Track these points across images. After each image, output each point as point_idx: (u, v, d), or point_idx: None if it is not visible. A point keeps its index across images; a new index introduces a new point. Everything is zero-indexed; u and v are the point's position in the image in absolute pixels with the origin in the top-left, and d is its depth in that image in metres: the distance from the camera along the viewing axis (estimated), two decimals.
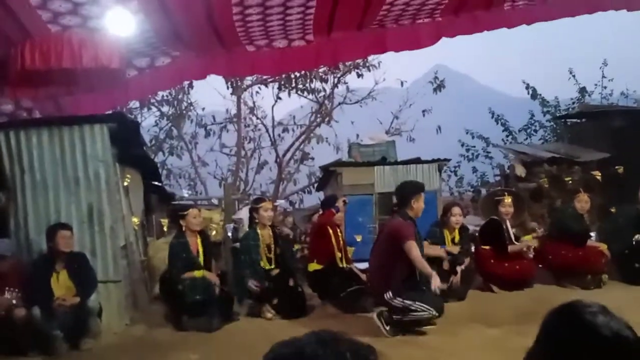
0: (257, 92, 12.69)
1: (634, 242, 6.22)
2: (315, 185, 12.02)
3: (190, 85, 12.43)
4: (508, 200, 6.25)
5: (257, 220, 5.64)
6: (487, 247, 6.10)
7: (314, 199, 11.75)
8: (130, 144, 5.95)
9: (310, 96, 12.44)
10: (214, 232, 7.27)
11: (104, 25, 4.74)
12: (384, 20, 5.87)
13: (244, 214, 7.10)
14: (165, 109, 12.73)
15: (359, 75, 12.01)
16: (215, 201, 10.49)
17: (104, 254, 5.37)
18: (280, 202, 11.12)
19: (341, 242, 6.08)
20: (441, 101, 14.36)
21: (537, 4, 5.89)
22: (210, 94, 12.84)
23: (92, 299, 4.94)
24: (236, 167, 12.86)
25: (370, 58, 11.64)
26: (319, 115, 12.82)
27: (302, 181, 13.18)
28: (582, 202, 6.44)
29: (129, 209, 5.98)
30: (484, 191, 10.66)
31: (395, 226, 4.80)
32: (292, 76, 11.66)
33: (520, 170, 8.61)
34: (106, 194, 5.42)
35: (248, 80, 12.21)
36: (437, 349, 4.29)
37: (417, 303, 4.56)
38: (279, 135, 13.21)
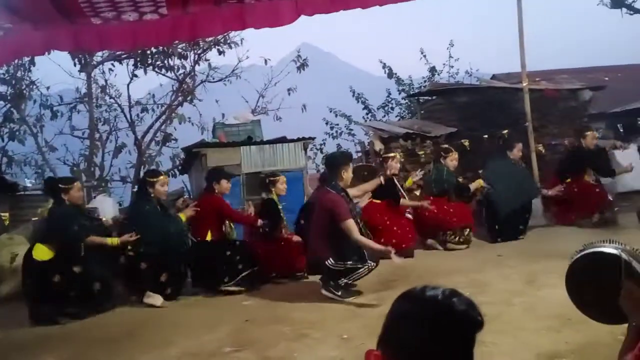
0: (110, 70, 11.76)
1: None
2: (179, 167, 11.55)
3: (32, 62, 11.14)
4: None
5: (152, 195, 5.47)
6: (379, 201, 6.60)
7: (179, 182, 11.28)
8: None
9: (170, 74, 11.82)
10: None
11: None
12: None
13: (99, 202, 6.58)
14: (1, 88, 11.30)
15: (220, 52, 11.66)
16: None
17: None
18: None
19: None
20: (307, 80, 14.51)
21: None
22: (56, 71, 11.64)
23: None
24: (90, 152, 11.86)
25: (231, 35, 11.38)
26: (180, 94, 12.27)
27: (165, 164, 12.57)
28: (455, 160, 7.12)
29: None
30: None
31: (330, 201, 4.83)
32: (149, 52, 10.95)
33: (379, 146, 9.03)
34: None
35: (98, 56, 11.25)
36: (302, 322, 4.37)
37: (356, 262, 4.78)
38: (138, 115, 12.44)
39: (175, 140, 12.47)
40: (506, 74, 15.14)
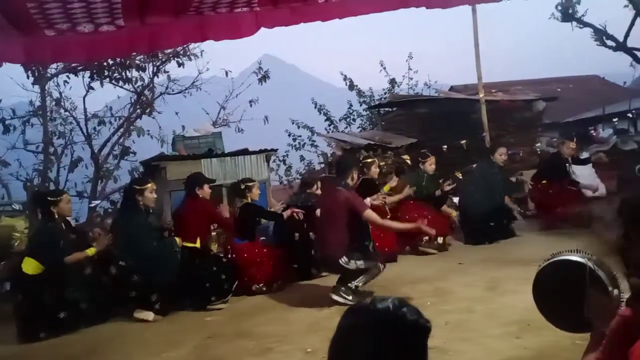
0: (65, 82, 11.42)
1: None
2: None
3: None
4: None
5: (142, 203, 5.43)
6: None
7: None
8: None
9: (128, 86, 11.56)
10: (17, 242, 6.37)
11: None
12: (201, 7, 5.65)
13: None
14: None
15: (179, 64, 11.49)
16: (17, 206, 9.24)
17: None
18: (97, 202, 10.21)
19: None
20: (269, 91, 14.47)
21: None
22: (8, 84, 11.24)
23: None
24: (44, 166, 11.45)
25: (191, 47, 11.23)
26: (138, 106, 12.01)
27: (124, 178, 12.24)
28: (433, 164, 7.17)
29: None
30: (301, 179, 11.06)
31: (347, 198, 5.09)
32: (105, 64, 10.70)
33: None
34: None
35: (53, 68, 10.92)
36: (267, 336, 4.33)
37: (367, 262, 4.99)
38: (95, 128, 12.08)
39: (134, 153, 12.16)
40: (464, 86, 15.52)
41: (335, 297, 4.98)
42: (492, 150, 7.72)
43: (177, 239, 5.60)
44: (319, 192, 6.88)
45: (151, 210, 5.74)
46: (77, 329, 5.01)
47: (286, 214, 6.22)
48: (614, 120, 12.31)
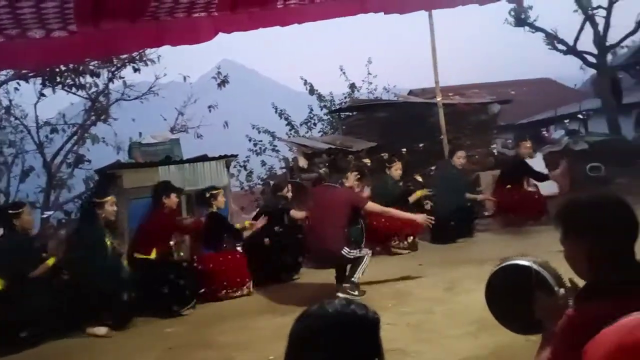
0: (15, 89, 11.03)
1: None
2: (94, 190, 11.00)
3: None
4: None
5: (103, 215, 5.32)
6: None
7: None
8: None
9: (82, 92, 11.26)
10: None
11: None
12: (157, 12, 5.55)
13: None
14: None
15: (135, 70, 11.26)
16: None
17: None
18: (50, 213, 9.88)
19: None
20: (228, 96, 14.38)
21: (308, 4, 6.19)
22: None
23: None
24: None
25: (147, 52, 11.03)
26: (93, 113, 11.70)
27: (78, 187, 11.90)
28: (399, 169, 7.25)
29: None
30: (272, 183, 11.03)
31: (347, 193, 5.62)
32: (58, 70, 10.39)
33: (303, 162, 9.10)
34: None
35: (2, 75, 10.53)
36: (229, 345, 4.28)
37: (362, 251, 5.34)
38: (47, 136, 11.71)
39: (89, 161, 11.83)
40: (422, 89, 15.82)
41: (344, 296, 5.03)
42: (451, 153, 7.89)
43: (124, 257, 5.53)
44: (289, 194, 7.03)
45: (112, 222, 5.60)
46: (37, 344, 4.83)
47: (246, 233, 6.28)
48: (566, 121, 12.81)
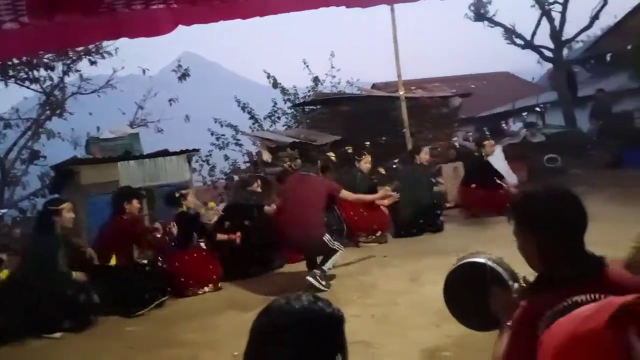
0: None
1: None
2: (50, 187, 10.67)
3: None
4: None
5: (59, 225, 5.10)
6: None
7: None
8: None
9: (36, 86, 10.89)
10: None
11: None
12: (114, 3, 5.39)
13: None
14: None
15: (92, 63, 10.95)
16: None
17: None
18: (3, 211, 9.53)
19: None
20: (190, 90, 14.15)
21: None
22: None
23: None
24: None
25: (105, 44, 10.74)
26: (48, 108, 11.33)
27: (33, 184, 11.52)
28: (368, 163, 7.36)
29: None
30: (236, 178, 10.92)
31: (322, 182, 5.73)
32: (10, 63, 10.00)
33: (267, 156, 9.04)
34: None
35: None
36: (193, 343, 4.22)
37: (337, 242, 5.40)
38: (0, 132, 11.29)
39: (44, 157, 11.47)
40: (385, 83, 15.93)
41: (311, 279, 5.14)
42: (416, 150, 7.95)
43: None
44: (259, 189, 7.02)
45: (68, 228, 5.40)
46: None
47: (221, 236, 6.27)
48: (524, 114, 13.12)
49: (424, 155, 7.82)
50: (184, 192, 6.23)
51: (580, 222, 1.64)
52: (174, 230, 5.85)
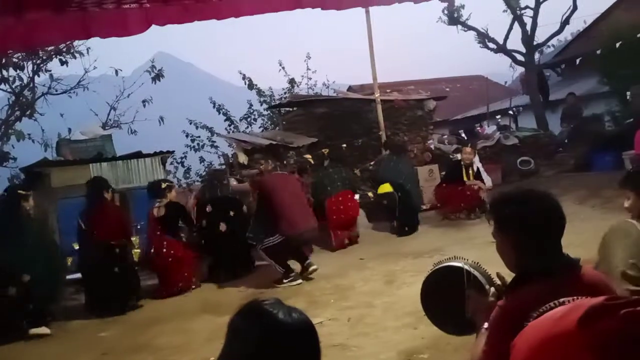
0: None
1: None
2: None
3: None
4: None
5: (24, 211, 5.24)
6: None
7: None
8: None
9: (4, 86, 10.59)
10: None
11: None
12: (84, 2, 5.30)
13: None
14: None
15: (62, 62, 10.70)
16: None
17: None
18: None
19: None
20: (164, 91, 13.94)
21: None
22: None
23: None
24: None
25: (76, 44, 10.50)
26: (17, 108, 11.04)
27: (3, 186, 11.21)
28: None
29: None
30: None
31: (299, 179, 6.63)
32: None
33: (243, 158, 8.96)
34: None
35: None
36: (166, 348, 4.16)
37: None
38: None
39: (14, 159, 11.15)
40: (360, 86, 15.97)
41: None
42: (403, 148, 8.16)
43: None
44: (234, 183, 7.37)
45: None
46: None
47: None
48: (497, 117, 13.28)
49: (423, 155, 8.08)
50: (170, 184, 6.41)
51: (557, 225, 1.66)
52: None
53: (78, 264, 5.85)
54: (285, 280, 5.49)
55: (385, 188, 7.76)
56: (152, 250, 5.95)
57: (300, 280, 5.55)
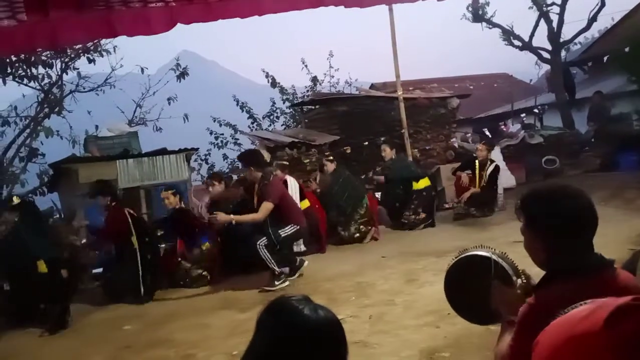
0: None
1: None
2: (48, 185, 10.66)
3: None
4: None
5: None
6: None
7: (47, 201, 10.35)
8: None
9: (34, 84, 10.84)
10: None
11: None
12: (111, 1, 5.39)
13: None
14: None
15: (90, 61, 10.91)
16: None
17: None
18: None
19: None
20: (188, 88, 14.09)
21: None
22: None
23: None
24: None
25: (103, 42, 10.70)
26: (46, 105, 11.29)
27: (32, 182, 11.49)
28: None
29: None
30: (235, 177, 10.91)
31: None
32: (8, 61, 9.97)
33: (265, 155, 9.01)
34: None
35: None
36: (186, 343, 4.21)
37: None
38: None
39: (43, 155, 11.42)
40: (383, 83, 15.91)
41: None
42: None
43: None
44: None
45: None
46: None
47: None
48: (522, 115, 13.10)
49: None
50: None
51: (590, 224, 1.63)
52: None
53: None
54: (277, 282, 5.42)
55: (425, 182, 7.92)
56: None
57: (287, 282, 5.51)
